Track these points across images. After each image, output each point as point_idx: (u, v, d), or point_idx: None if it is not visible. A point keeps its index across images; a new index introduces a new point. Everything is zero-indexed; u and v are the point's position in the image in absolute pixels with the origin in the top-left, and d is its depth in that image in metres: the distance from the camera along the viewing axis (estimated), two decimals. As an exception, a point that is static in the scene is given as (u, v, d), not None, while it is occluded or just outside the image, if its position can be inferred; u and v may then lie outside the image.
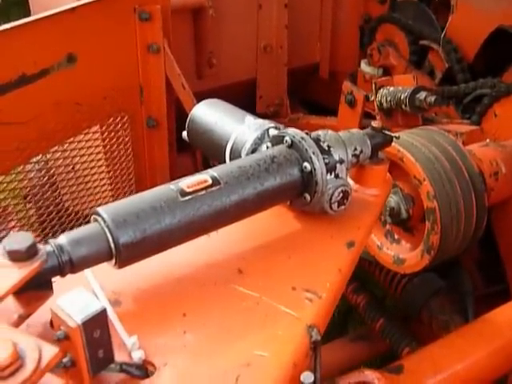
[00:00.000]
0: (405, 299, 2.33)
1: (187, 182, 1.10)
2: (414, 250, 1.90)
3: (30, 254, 0.92)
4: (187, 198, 1.07)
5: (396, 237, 1.97)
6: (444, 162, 1.81)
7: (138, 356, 0.94)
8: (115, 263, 1.01)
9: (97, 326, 0.85)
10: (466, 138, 1.99)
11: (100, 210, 1.01)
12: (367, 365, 2.71)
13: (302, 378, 0.96)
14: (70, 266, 0.96)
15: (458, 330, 1.64)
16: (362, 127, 2.16)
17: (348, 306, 2.56)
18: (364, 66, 2.86)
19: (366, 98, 2.41)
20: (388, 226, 1.99)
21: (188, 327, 1.02)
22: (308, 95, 3.31)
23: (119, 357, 0.92)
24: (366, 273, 2.45)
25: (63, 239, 0.98)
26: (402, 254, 1.92)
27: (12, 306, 0.93)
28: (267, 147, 1.28)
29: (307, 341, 1.03)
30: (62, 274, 0.97)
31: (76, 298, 0.85)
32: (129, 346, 0.95)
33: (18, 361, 0.76)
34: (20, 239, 0.92)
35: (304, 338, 1.03)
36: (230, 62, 2.81)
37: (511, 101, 2.12)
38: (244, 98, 2.83)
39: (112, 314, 0.98)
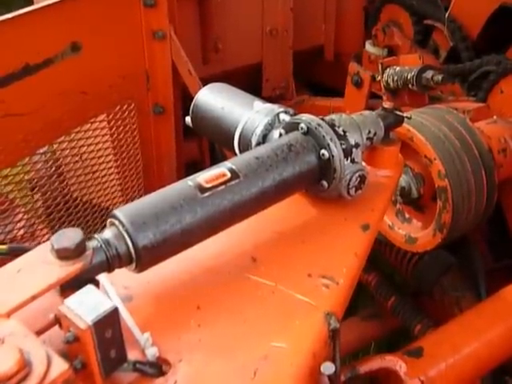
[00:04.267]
0: (416, 276, 2.33)
1: (205, 177, 1.06)
2: (425, 229, 1.88)
3: (78, 251, 0.90)
4: (207, 194, 1.03)
5: (407, 216, 1.96)
6: (454, 141, 1.79)
7: (151, 353, 0.91)
8: (135, 267, 0.98)
9: (108, 325, 0.81)
10: (473, 115, 1.97)
11: (117, 212, 0.97)
12: (378, 343, 2.73)
13: (322, 369, 0.94)
14: (118, 260, 0.95)
15: (474, 308, 1.63)
16: (368, 107, 2.15)
17: (357, 284, 2.55)
18: (369, 47, 2.82)
19: (373, 79, 2.39)
20: (399, 206, 1.97)
21: (202, 320, 1.00)
22: (313, 77, 3.29)
23: (132, 355, 0.89)
24: (374, 251, 2.44)
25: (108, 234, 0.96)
26: (414, 233, 1.90)
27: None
28: (280, 134, 1.25)
29: (326, 329, 1.01)
30: (110, 270, 0.95)
31: (85, 298, 0.82)
32: (142, 343, 0.92)
33: (21, 372, 0.73)
34: (69, 236, 0.90)
35: (322, 326, 1.01)
36: (236, 47, 2.78)
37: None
38: (250, 82, 2.81)
39: (123, 311, 0.94)
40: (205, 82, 1.94)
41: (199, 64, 2.60)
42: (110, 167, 2.23)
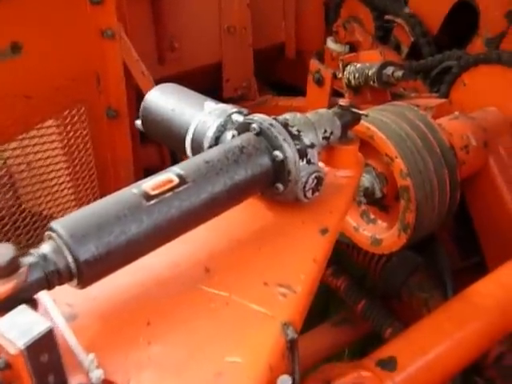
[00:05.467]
0: (384, 278, 2.31)
1: (151, 184, 1.00)
2: (390, 230, 1.85)
3: (10, 269, 0.82)
4: (153, 201, 0.97)
5: (372, 217, 1.92)
6: (415, 139, 1.75)
7: (96, 376, 0.84)
8: (77, 283, 0.91)
9: (44, 349, 0.75)
10: (435, 112, 1.95)
11: (55, 224, 0.90)
12: (351, 347, 2.71)
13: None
14: (57, 277, 0.88)
15: (441, 308, 1.58)
16: (331, 106, 2.11)
17: (327, 290, 2.53)
18: (330, 44, 2.79)
19: (334, 76, 2.35)
20: (363, 206, 1.94)
21: (152, 337, 0.94)
22: (275, 76, 3.25)
23: (75, 379, 0.83)
24: (344, 255, 2.41)
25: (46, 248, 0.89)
26: (379, 235, 1.87)
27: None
28: (233, 135, 1.19)
29: (283, 340, 0.96)
30: (50, 287, 0.88)
31: (17, 319, 0.75)
32: (86, 365, 0.85)
33: None
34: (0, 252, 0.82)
35: (279, 337, 0.95)
36: (193, 46, 2.71)
37: (479, 71, 2.08)
38: (210, 83, 2.76)
39: (66, 330, 0.88)
40: (162, 83, 1.88)
41: (155, 64, 2.53)
42: (61, 175, 2.13)
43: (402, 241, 1.80)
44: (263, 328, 0.97)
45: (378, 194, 1.82)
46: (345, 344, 2.56)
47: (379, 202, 1.89)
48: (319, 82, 2.42)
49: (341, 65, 2.29)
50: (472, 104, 2.05)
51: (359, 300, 2.38)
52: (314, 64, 2.44)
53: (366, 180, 1.80)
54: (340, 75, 2.29)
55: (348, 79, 2.25)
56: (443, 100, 2.06)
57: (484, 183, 1.95)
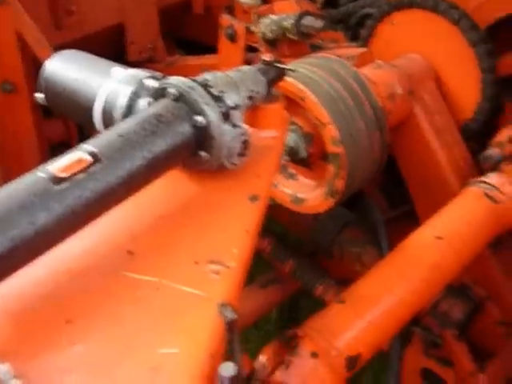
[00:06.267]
0: (314, 236, 2.27)
1: (59, 165, 0.87)
2: (313, 190, 1.77)
3: None
4: (64, 185, 0.85)
5: (291, 171, 1.83)
6: (348, 101, 1.67)
7: (12, 388, 0.73)
8: None
9: None
10: (357, 62, 1.87)
11: None
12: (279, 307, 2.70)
13: (220, 372, 0.80)
14: None
15: (381, 262, 1.53)
16: (245, 62, 2.00)
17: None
18: (241, -4, 2.67)
19: (248, 30, 2.25)
20: (282, 161, 1.85)
21: (75, 336, 0.83)
22: (183, 35, 3.10)
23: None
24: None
25: None
26: (301, 193, 1.78)
27: None
28: (148, 103, 1.08)
29: (222, 323, 0.87)
30: None
31: None
32: (1, 377, 0.74)
33: None
34: None
35: (217, 320, 0.87)
36: (92, 7, 2.52)
37: (399, 17, 2.02)
38: (114, 47, 2.60)
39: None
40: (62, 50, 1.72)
41: (51, 30, 2.34)
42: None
43: (328, 204, 1.74)
44: (199, 312, 0.88)
45: (303, 154, 1.74)
46: (273, 305, 2.55)
47: (303, 161, 1.81)
48: (232, 38, 2.31)
49: (255, 18, 2.18)
50: (394, 51, 1.99)
51: (287, 260, 2.34)
52: (225, 19, 2.32)
53: (291, 139, 1.71)
54: (254, 29, 2.19)
55: (263, 33, 2.15)
56: (364, 49, 1.99)
57: (411, 132, 1.91)
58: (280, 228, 2.55)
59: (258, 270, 2.70)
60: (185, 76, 1.08)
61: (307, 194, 1.78)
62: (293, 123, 1.70)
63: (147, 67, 1.47)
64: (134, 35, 2.69)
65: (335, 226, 2.19)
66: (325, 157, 1.71)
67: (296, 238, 2.63)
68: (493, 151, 1.72)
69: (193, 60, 2.78)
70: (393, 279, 1.43)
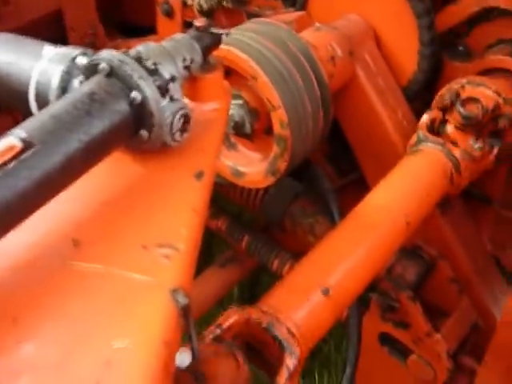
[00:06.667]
0: (265, 211, 2.24)
1: None
2: (254, 164, 1.73)
3: None
4: None
5: (232, 141, 1.78)
6: (298, 82, 1.61)
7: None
8: None
9: None
10: (295, 26, 1.82)
11: None
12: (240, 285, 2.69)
13: (177, 363, 0.77)
14: None
15: (334, 231, 1.50)
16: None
17: (209, 232, 2.45)
18: (172, -29, 2.59)
19: (183, 4, 2.18)
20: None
21: (22, 336, 0.78)
22: (123, 18, 2.99)
23: None
24: (218, 194, 2.32)
25: None
26: (242, 167, 1.74)
27: None
28: (80, 82, 1.02)
29: (175, 309, 0.84)
30: None
31: None
32: None
33: None
34: None
35: (169, 306, 0.83)
36: (28, -5, 2.41)
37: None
38: (54, 34, 2.48)
39: None
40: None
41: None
42: None
43: (267, 181, 1.71)
44: (150, 299, 0.84)
45: (248, 129, 1.69)
46: (234, 282, 2.54)
47: (246, 135, 1.77)
48: (168, 13, 2.25)
49: (188, -10, 2.12)
50: (330, 15, 1.93)
51: (242, 237, 2.33)
52: (160, -5, 2.26)
53: (237, 114, 1.66)
54: (190, 2, 2.13)
55: (199, 4, 2.10)
56: (302, 12, 1.93)
57: (353, 95, 1.87)
58: (236, 208, 2.53)
59: (219, 249, 2.70)
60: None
61: (248, 167, 1.74)
62: (238, 97, 1.65)
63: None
64: (72, 21, 2.60)
65: (285, 199, 2.17)
66: (269, 131, 1.67)
67: (250, 215, 2.61)
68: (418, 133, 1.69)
69: (135, 42, 2.66)
70: (345, 247, 1.41)
